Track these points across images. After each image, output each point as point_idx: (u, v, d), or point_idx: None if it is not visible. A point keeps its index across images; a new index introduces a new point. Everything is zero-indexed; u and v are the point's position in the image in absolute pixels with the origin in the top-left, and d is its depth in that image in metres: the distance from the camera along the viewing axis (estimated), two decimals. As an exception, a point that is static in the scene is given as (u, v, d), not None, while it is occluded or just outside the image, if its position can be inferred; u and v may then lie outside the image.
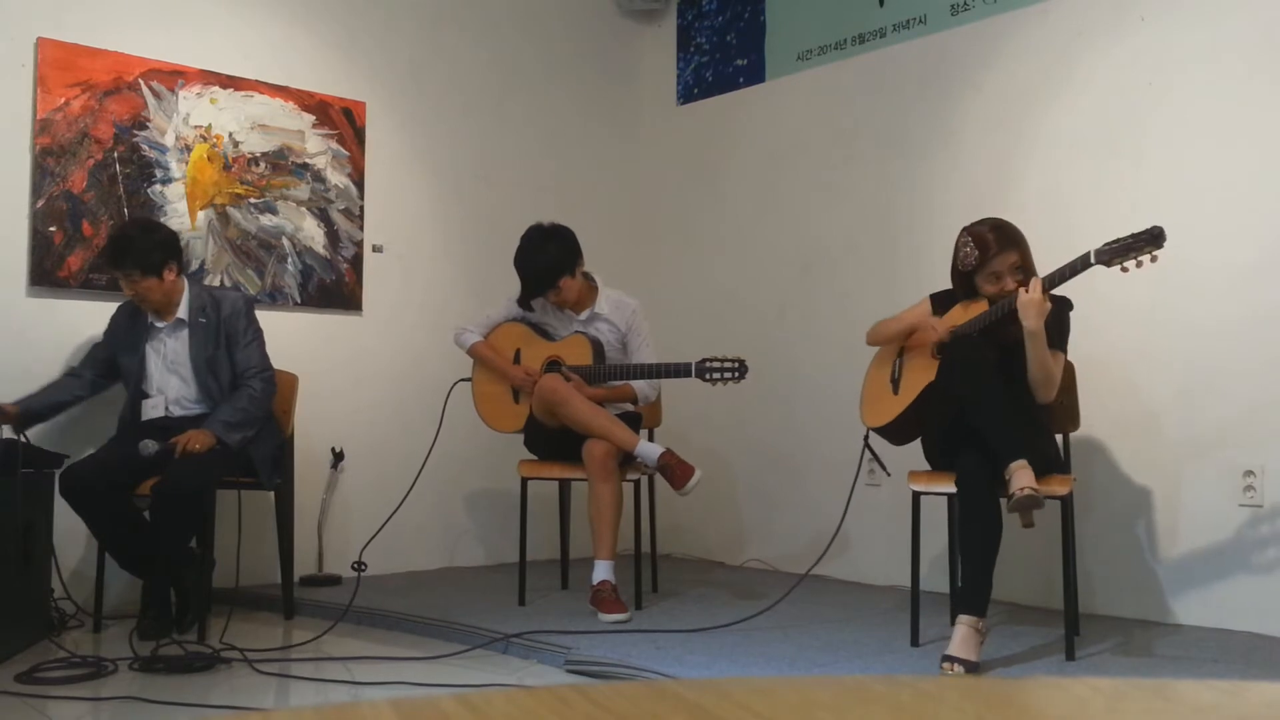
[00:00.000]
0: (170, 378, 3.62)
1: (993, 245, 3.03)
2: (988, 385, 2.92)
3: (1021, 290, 2.90)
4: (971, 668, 2.80)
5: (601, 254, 3.89)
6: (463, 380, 4.02)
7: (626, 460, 3.62)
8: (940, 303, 3.27)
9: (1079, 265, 2.89)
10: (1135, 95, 3.72)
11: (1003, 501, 2.88)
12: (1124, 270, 2.84)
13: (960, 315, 3.15)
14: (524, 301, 3.89)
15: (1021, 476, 2.80)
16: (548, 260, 3.76)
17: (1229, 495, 3.44)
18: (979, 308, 3.10)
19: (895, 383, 3.31)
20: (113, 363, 3.65)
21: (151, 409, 3.60)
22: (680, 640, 3.18)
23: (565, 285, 3.78)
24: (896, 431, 3.31)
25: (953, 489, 3.08)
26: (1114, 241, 2.85)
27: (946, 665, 2.80)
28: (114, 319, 3.69)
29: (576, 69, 5.29)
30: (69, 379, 3.66)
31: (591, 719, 0.57)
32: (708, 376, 3.62)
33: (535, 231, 3.84)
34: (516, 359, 3.90)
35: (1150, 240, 2.80)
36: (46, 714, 2.62)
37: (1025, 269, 3.06)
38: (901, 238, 4.35)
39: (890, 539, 3.99)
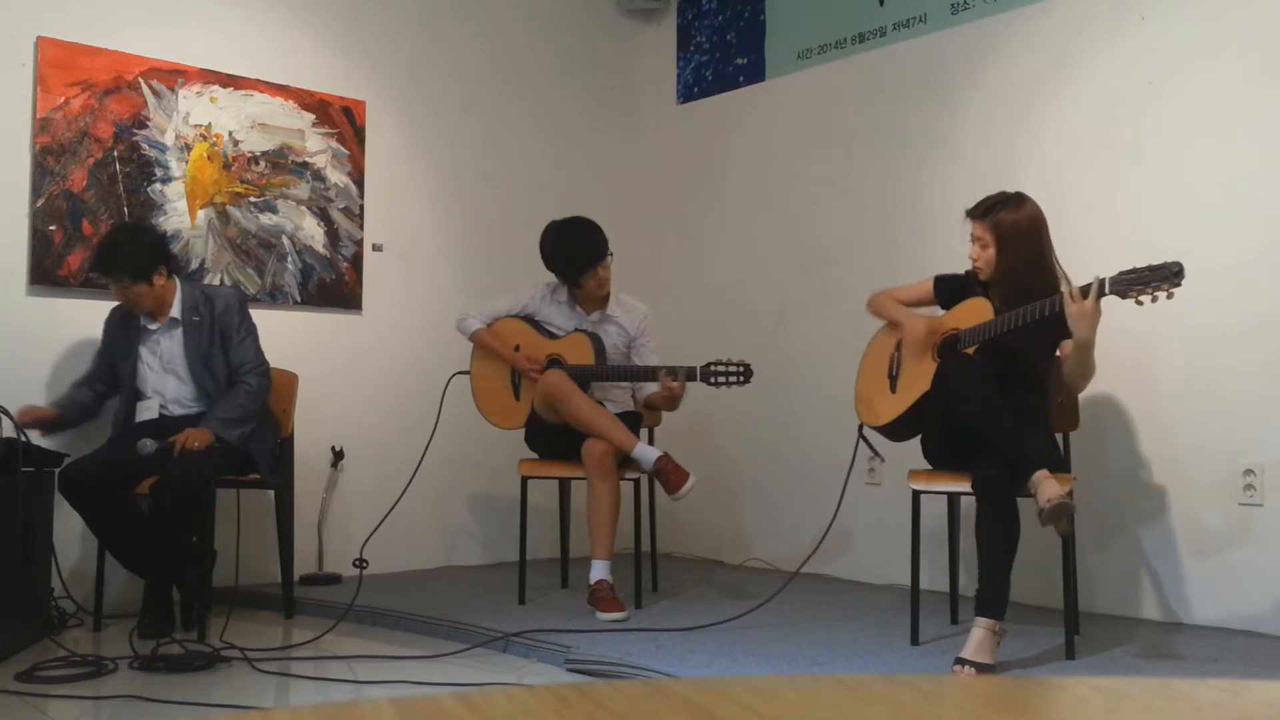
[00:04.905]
0: (167, 378, 3.61)
1: (973, 208, 3.10)
2: (992, 403, 2.88)
3: (1070, 299, 2.81)
4: (985, 670, 2.74)
5: (601, 253, 3.90)
6: (460, 373, 4.01)
7: (625, 461, 3.62)
8: (945, 285, 3.25)
9: (1097, 292, 2.81)
10: (1135, 94, 3.72)
11: (1016, 501, 2.85)
12: (1138, 304, 2.74)
13: (968, 313, 3.12)
14: (572, 281, 3.85)
15: (1048, 487, 2.75)
16: (599, 235, 3.80)
17: (1229, 495, 3.44)
18: (983, 309, 3.07)
19: (893, 379, 3.29)
20: (114, 370, 3.63)
21: (146, 410, 3.58)
22: (680, 639, 3.18)
23: (608, 264, 3.82)
24: (895, 431, 3.30)
25: (953, 488, 3.08)
26: (1129, 272, 2.74)
27: (957, 668, 2.75)
28: (107, 325, 3.66)
29: (576, 69, 5.29)
30: (82, 389, 3.62)
31: (591, 718, 0.57)
32: (712, 380, 3.61)
33: (570, 219, 3.86)
34: None
35: (1167, 277, 2.69)
36: (46, 713, 2.62)
37: (998, 249, 3.04)
38: (901, 238, 4.35)
39: (890, 538, 3.99)
